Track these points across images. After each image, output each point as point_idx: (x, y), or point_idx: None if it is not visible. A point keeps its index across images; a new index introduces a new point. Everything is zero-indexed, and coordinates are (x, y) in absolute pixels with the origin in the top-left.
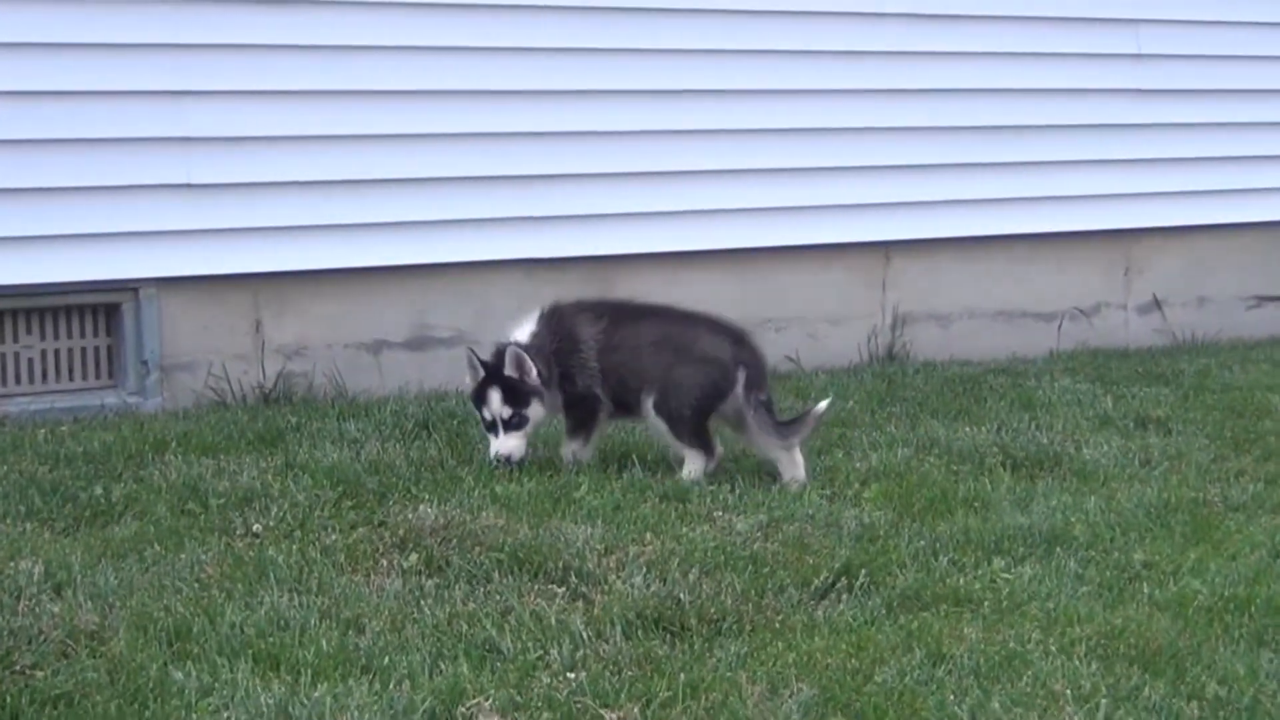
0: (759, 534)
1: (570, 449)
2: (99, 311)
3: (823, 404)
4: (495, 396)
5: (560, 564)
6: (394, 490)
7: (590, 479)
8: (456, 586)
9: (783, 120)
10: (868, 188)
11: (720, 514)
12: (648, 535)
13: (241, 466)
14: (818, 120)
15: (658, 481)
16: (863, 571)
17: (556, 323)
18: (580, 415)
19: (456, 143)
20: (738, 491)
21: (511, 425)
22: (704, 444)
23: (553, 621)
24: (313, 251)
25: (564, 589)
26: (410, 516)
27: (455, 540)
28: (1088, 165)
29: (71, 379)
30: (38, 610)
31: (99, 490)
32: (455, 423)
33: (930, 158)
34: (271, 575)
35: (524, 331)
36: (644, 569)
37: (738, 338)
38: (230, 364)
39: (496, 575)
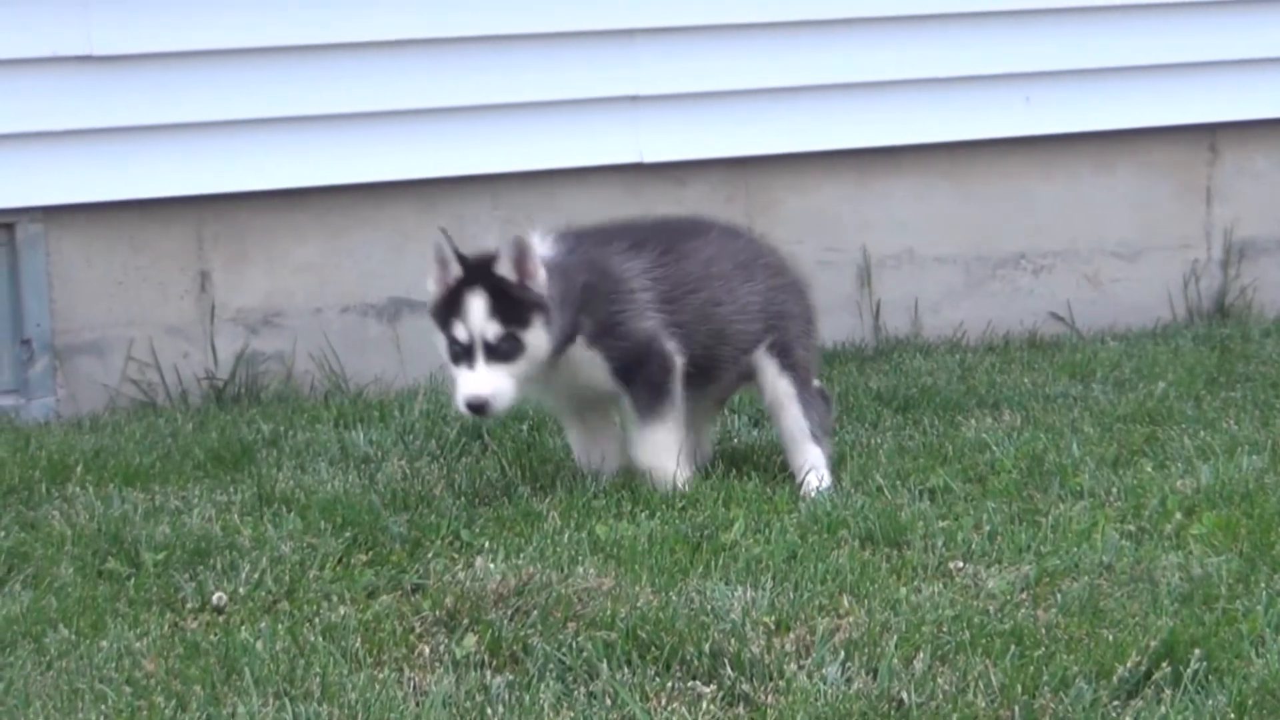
0: (1023, 595)
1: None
2: None
3: None
4: (478, 304)
5: (707, 648)
6: (433, 535)
7: (745, 510)
8: (541, 686)
9: None
10: (1175, 38)
11: (959, 564)
12: (844, 600)
13: (188, 502)
14: None
15: (852, 507)
16: (1195, 653)
17: (583, 251)
18: (656, 384)
19: None
20: (984, 528)
21: (498, 353)
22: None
23: None
24: (286, 159)
25: (714, 687)
26: (461, 576)
27: (535, 613)
28: None
29: None
30: None
31: None
32: (524, 427)
33: None
34: (247, 673)
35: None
36: (841, 654)
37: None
38: (162, 341)
39: (605, 668)
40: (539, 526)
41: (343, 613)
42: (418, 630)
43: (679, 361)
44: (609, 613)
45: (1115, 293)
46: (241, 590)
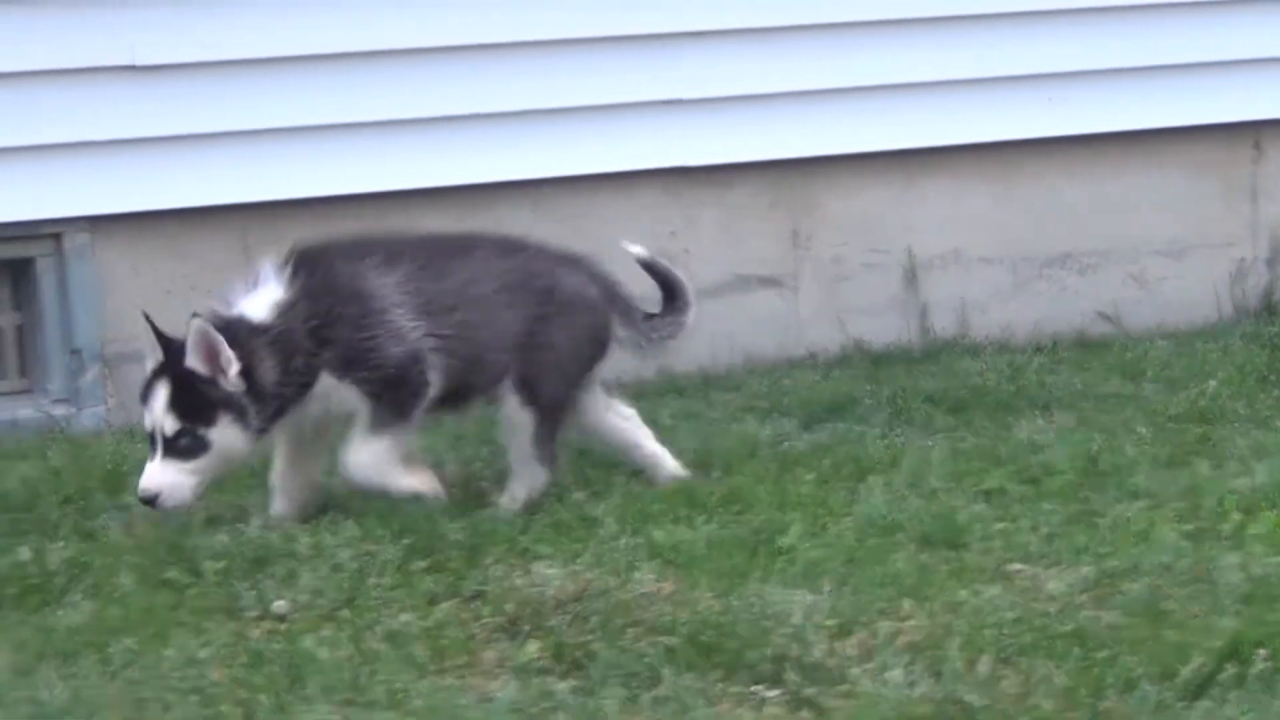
0: (1084, 597)
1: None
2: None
3: None
4: (159, 396)
5: (769, 652)
6: (492, 541)
7: (801, 514)
8: (605, 691)
9: None
10: (1218, 36)
11: (1019, 565)
12: (905, 604)
13: (246, 509)
14: None
15: (908, 510)
16: (1260, 653)
17: (322, 276)
18: (401, 404)
19: None
20: (1042, 530)
21: (176, 449)
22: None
23: None
24: (327, 166)
25: (779, 692)
26: (521, 582)
27: (598, 619)
28: None
29: None
30: None
31: (25, 553)
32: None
33: None
34: (312, 681)
35: (260, 299)
36: (905, 658)
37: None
38: None
39: (668, 673)
40: (595, 532)
41: (404, 620)
42: (479, 637)
43: (432, 386)
44: (670, 618)
45: (1162, 291)
46: (302, 598)
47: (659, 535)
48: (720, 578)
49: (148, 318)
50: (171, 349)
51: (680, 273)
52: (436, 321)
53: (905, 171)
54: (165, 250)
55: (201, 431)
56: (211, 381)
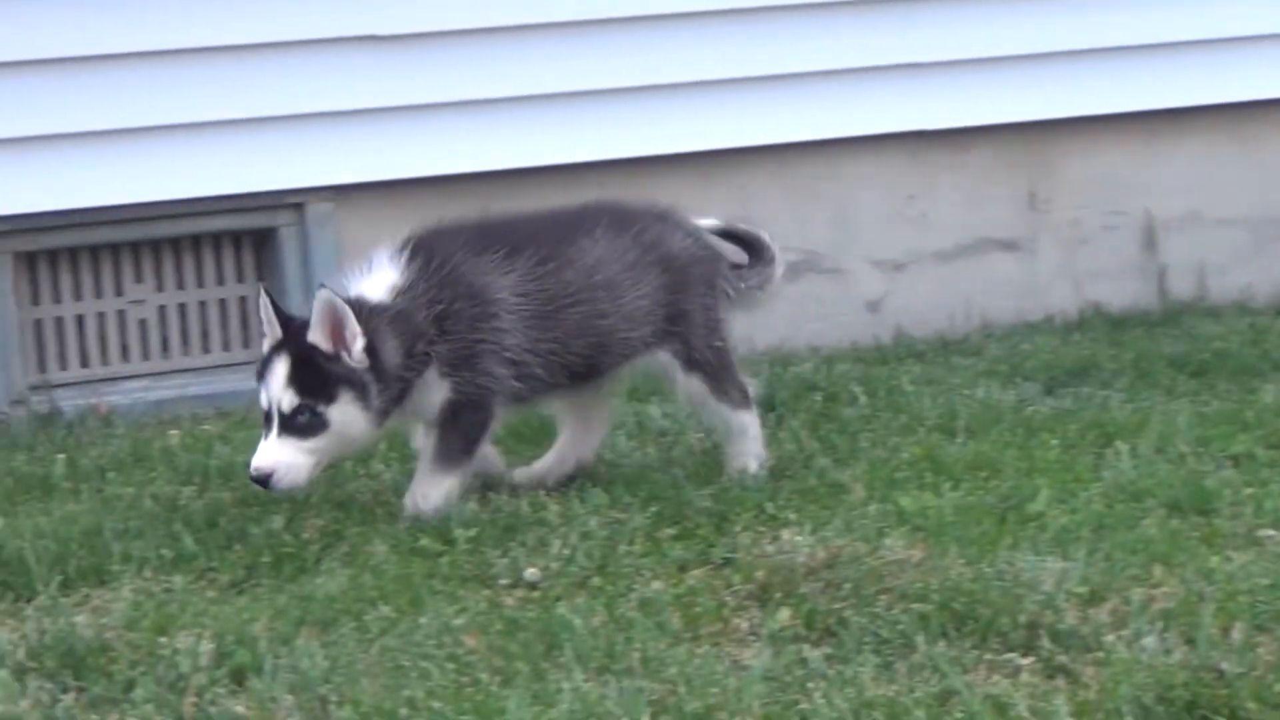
0: None
1: (445, 483)
2: (243, 242)
3: None
4: (278, 371)
5: (1022, 619)
6: (739, 509)
7: (1049, 480)
8: (859, 659)
9: None
10: None
11: (1270, 531)
12: (1157, 570)
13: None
14: None
15: (1157, 475)
16: None
17: (440, 264)
18: (472, 437)
19: None
20: None
21: (294, 427)
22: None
23: (1022, 712)
24: (568, 134)
25: (1032, 659)
26: (770, 550)
27: (848, 586)
28: None
29: (207, 349)
30: (213, 711)
31: (279, 523)
32: (818, 398)
33: None
34: (568, 648)
35: (377, 282)
36: (1159, 624)
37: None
38: None
39: (922, 640)
40: (842, 499)
41: (656, 588)
42: (731, 604)
43: (497, 419)
44: (921, 585)
45: None
46: (553, 566)
47: (906, 502)
48: (969, 545)
49: (267, 292)
50: (292, 325)
51: (761, 231)
52: (554, 322)
53: (1144, 133)
54: (406, 219)
55: (321, 409)
56: (334, 357)
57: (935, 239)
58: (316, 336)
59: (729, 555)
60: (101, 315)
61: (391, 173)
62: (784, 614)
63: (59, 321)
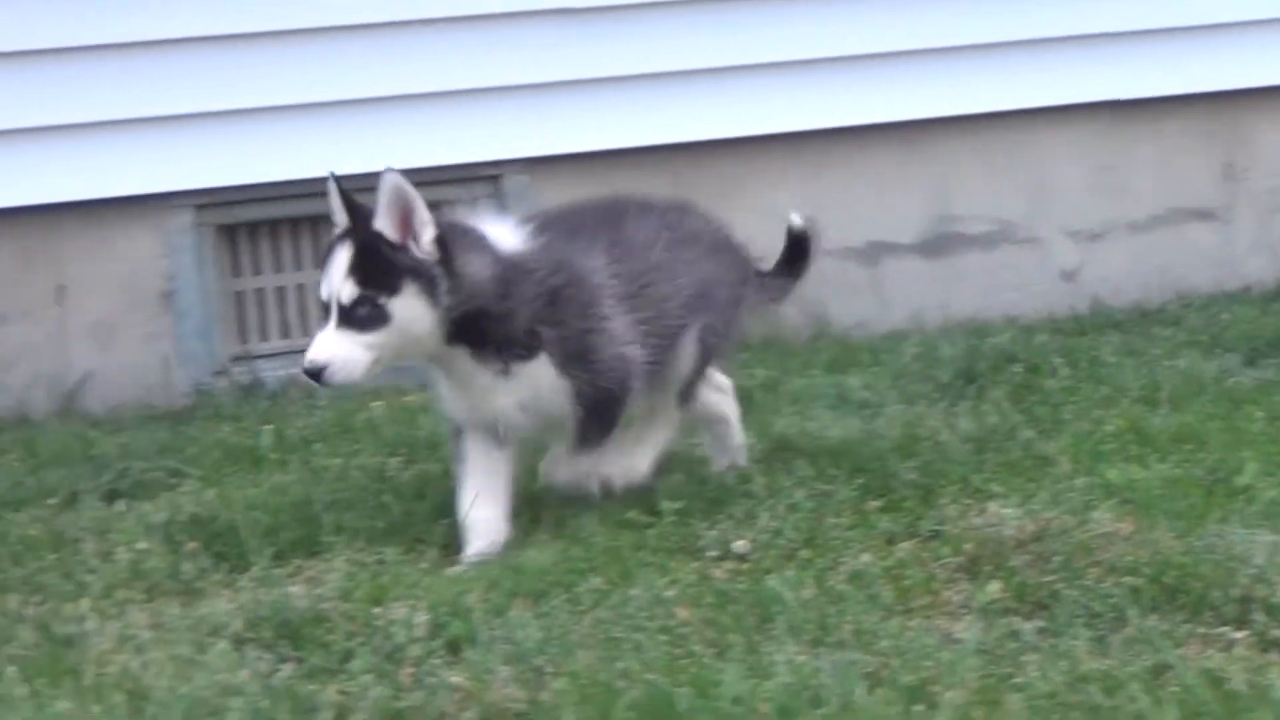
0: None
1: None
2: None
3: None
4: (339, 260)
5: (1235, 593)
6: (943, 481)
7: (1256, 452)
8: (1071, 633)
9: None
10: None
11: None
12: None
13: (695, 450)
14: None
15: None
16: None
17: (554, 247)
18: (609, 417)
19: None
20: None
21: (353, 319)
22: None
23: (1238, 686)
24: (760, 105)
25: (1246, 633)
26: (977, 522)
27: (1058, 559)
28: None
29: None
30: (430, 681)
31: None
32: (1018, 370)
33: None
34: (780, 620)
35: (514, 234)
36: None
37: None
38: None
39: (1134, 613)
40: (1048, 471)
41: (864, 560)
42: (940, 577)
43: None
44: (1131, 559)
45: None
46: (761, 537)
47: (1113, 474)
48: (1178, 518)
49: (335, 179)
50: (359, 212)
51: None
52: (640, 305)
53: None
54: (601, 189)
55: (383, 301)
56: (400, 246)
57: (1131, 209)
58: (382, 223)
59: (937, 528)
60: (301, 287)
61: (584, 145)
62: (994, 587)
63: (259, 293)
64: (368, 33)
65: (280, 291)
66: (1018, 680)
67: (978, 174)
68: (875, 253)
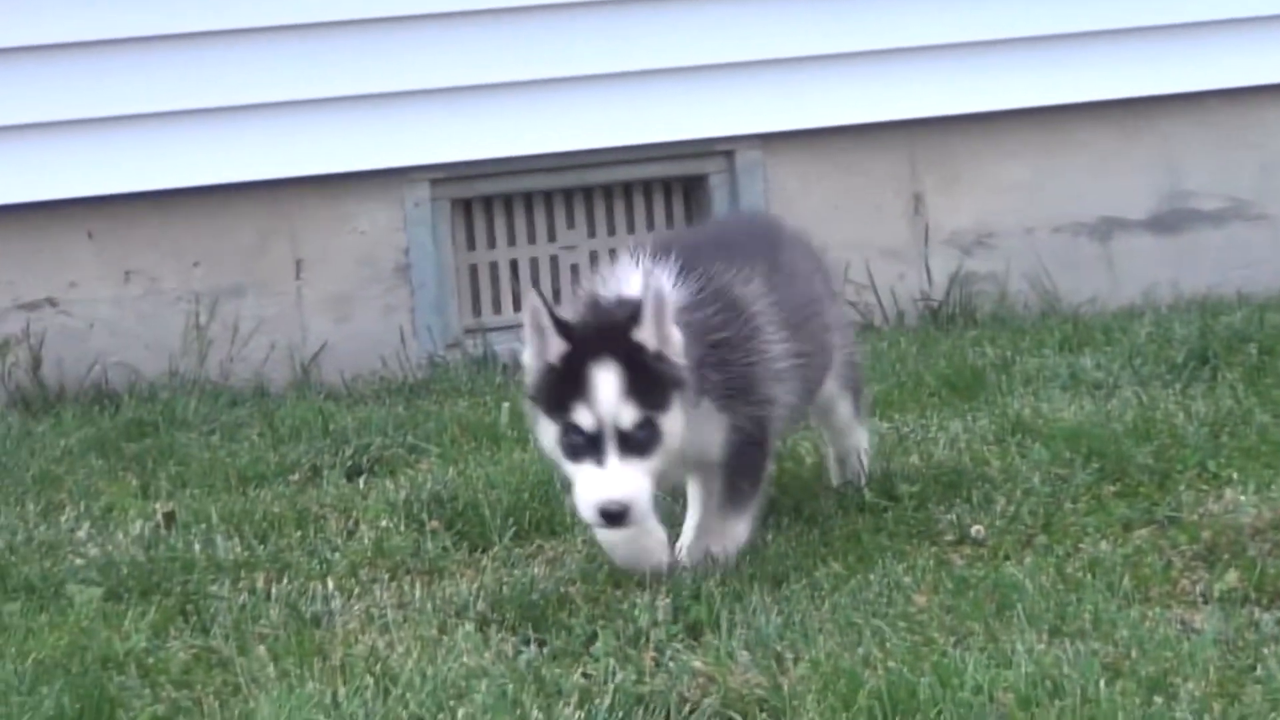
0: None
1: (741, 526)
2: (673, 189)
3: None
4: (609, 382)
5: None
6: (1179, 466)
7: None
8: None
9: None
10: None
11: None
12: None
13: (929, 431)
14: None
15: None
16: None
17: (711, 284)
18: (758, 469)
19: None
20: None
21: (634, 445)
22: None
23: None
24: (1003, 81)
25: None
26: (1214, 509)
27: None
28: None
29: None
30: (671, 667)
31: None
32: (1252, 350)
33: None
34: (1019, 608)
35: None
36: None
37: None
38: (878, 264)
39: None
40: None
41: (1102, 548)
42: (1178, 565)
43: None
44: None
45: None
46: (998, 522)
47: None
48: None
49: (538, 292)
50: (599, 326)
51: None
52: (797, 335)
53: None
54: (832, 167)
55: (658, 419)
56: (661, 357)
57: None
58: (646, 335)
59: (1173, 514)
60: (534, 260)
61: (818, 121)
62: (1231, 576)
63: (493, 266)
64: (602, 9)
65: (514, 264)
66: (1259, 673)
67: (1205, 152)
68: (1107, 228)
